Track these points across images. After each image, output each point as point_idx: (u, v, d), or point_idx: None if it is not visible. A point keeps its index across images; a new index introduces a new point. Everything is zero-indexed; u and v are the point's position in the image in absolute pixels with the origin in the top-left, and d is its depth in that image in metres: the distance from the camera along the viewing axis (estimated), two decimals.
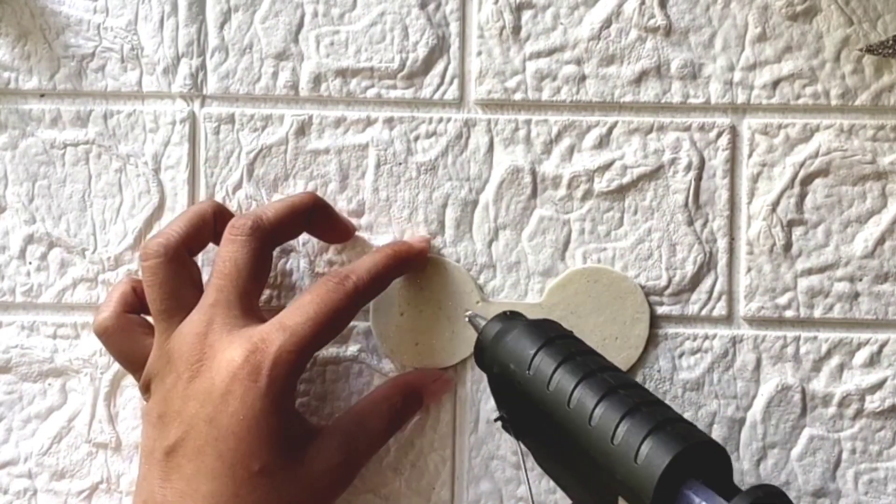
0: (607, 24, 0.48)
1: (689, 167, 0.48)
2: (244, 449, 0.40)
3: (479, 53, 0.48)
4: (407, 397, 0.47)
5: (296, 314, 0.42)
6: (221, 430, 0.40)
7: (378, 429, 0.46)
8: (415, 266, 0.47)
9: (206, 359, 0.41)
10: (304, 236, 0.48)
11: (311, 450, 0.43)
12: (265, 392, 0.40)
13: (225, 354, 0.41)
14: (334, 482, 0.44)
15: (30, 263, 0.49)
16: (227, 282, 0.43)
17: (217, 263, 0.43)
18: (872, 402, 0.48)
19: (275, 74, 0.48)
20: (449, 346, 0.48)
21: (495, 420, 0.42)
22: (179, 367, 0.42)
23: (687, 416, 0.48)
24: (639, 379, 0.48)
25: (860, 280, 0.48)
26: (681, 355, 0.48)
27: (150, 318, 0.45)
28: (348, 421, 0.45)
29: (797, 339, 0.48)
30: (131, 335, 0.44)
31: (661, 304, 0.48)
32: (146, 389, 0.44)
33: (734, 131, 0.48)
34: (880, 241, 0.48)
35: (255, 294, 0.44)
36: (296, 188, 0.48)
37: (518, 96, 0.48)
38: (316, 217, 0.46)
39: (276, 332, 0.41)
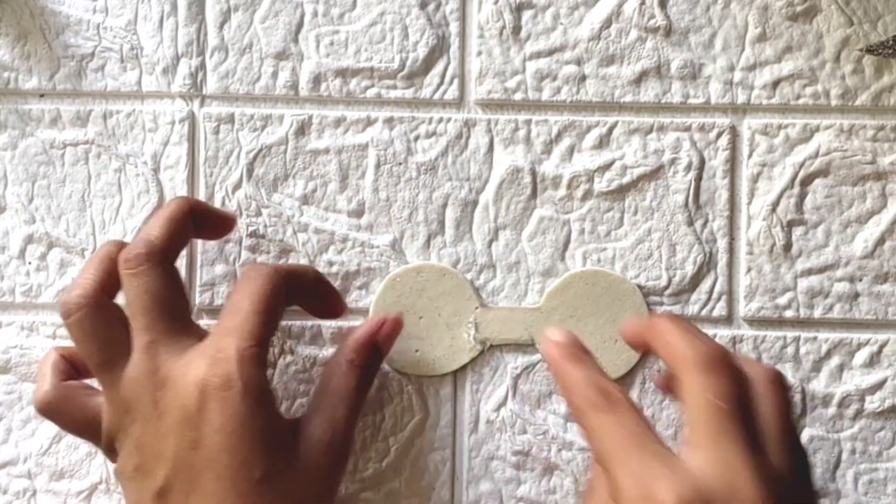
0: (607, 24, 0.48)
1: (689, 167, 0.48)
2: (240, 460, 0.39)
3: (479, 53, 0.48)
4: (361, 350, 0.44)
5: (234, 316, 0.40)
6: (211, 449, 0.39)
7: (348, 390, 0.43)
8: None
9: (166, 390, 0.40)
10: (306, 237, 0.48)
11: (301, 440, 0.41)
12: (243, 395, 0.39)
13: (187, 377, 0.39)
14: (332, 463, 0.42)
15: (29, 263, 0.49)
16: (150, 317, 0.41)
17: (130, 303, 0.41)
18: (872, 403, 0.48)
19: (274, 74, 0.48)
20: (449, 353, 0.48)
21: None
22: (143, 411, 0.40)
23: None
24: (639, 379, 0.48)
25: (860, 280, 0.48)
26: None
27: (88, 381, 0.44)
28: (318, 398, 0.43)
29: (797, 339, 0.48)
30: (78, 401, 0.42)
31: (661, 304, 0.48)
32: (110, 450, 0.42)
33: (734, 131, 0.48)
34: (880, 241, 0.48)
35: (186, 311, 0.42)
36: (296, 188, 0.48)
37: (518, 96, 0.48)
38: (198, 219, 0.44)
39: (226, 338, 0.40)
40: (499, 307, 0.48)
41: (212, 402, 0.39)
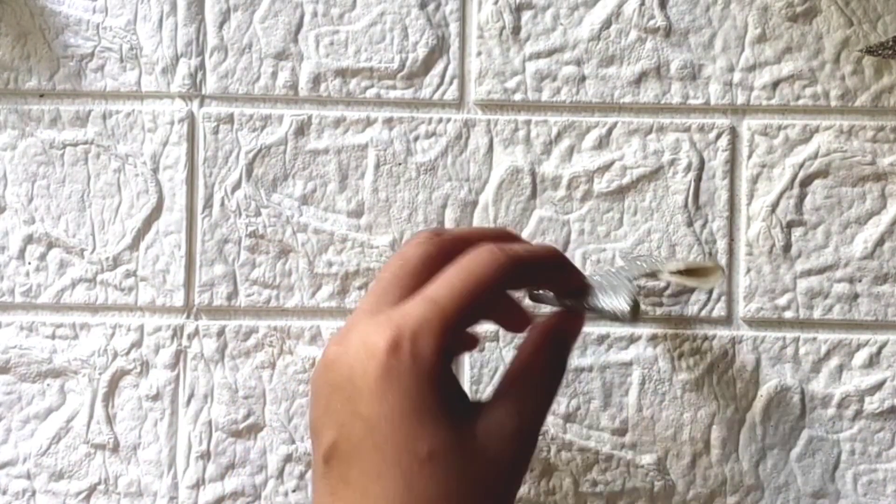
0: (607, 24, 0.48)
1: (688, 168, 0.48)
2: (403, 436, 0.35)
3: (479, 54, 0.48)
4: (554, 344, 0.41)
5: (441, 286, 0.37)
6: (373, 420, 0.35)
7: (542, 383, 0.40)
8: (575, 282, 0.42)
9: (344, 343, 0.37)
10: (305, 237, 0.48)
11: (482, 423, 0.37)
12: (411, 367, 0.35)
13: (366, 338, 0.36)
14: (516, 454, 0.37)
15: (29, 263, 0.49)
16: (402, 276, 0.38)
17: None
18: (871, 404, 0.48)
19: (274, 74, 0.48)
20: None
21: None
22: (324, 373, 0.37)
23: (686, 416, 0.48)
24: (638, 379, 0.48)
25: (859, 281, 0.48)
26: (680, 356, 0.48)
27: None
28: (509, 385, 0.39)
29: (796, 340, 0.48)
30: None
31: (661, 304, 0.48)
32: None
33: (734, 132, 0.48)
34: (880, 242, 0.48)
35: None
36: (295, 188, 0.48)
37: (518, 97, 0.48)
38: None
39: (417, 306, 0.36)
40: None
41: (376, 368, 0.35)
